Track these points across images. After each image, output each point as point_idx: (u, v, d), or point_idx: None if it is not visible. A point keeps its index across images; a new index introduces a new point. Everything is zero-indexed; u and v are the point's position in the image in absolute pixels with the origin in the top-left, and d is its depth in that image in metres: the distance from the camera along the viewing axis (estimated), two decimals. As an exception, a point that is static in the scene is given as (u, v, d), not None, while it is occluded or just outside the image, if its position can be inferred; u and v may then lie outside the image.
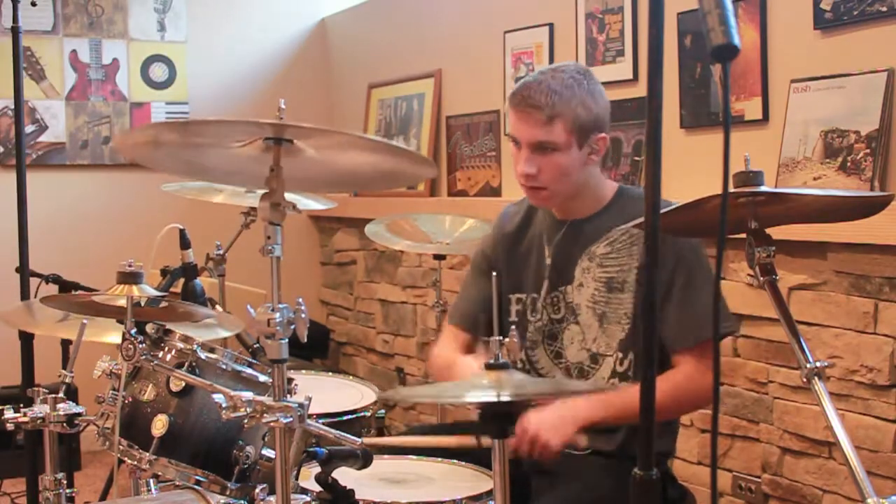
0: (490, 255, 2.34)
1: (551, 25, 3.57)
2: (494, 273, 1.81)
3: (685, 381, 2.05)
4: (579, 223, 2.21)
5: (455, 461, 2.10)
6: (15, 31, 2.82)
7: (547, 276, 2.22)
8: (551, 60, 3.57)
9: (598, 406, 2.03)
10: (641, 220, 1.21)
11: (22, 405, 1.97)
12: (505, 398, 1.50)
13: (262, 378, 1.94)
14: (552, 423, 1.97)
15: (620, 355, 2.14)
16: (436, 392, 1.82)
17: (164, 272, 2.34)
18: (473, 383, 1.66)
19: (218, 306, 2.43)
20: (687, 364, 2.08)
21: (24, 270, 2.84)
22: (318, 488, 1.73)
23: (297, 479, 1.85)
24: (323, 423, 1.82)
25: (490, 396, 1.49)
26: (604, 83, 2.19)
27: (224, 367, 1.93)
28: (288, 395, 1.56)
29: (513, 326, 1.79)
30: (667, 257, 2.08)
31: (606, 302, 2.15)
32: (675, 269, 2.08)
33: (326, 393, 2.61)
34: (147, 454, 1.86)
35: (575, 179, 2.15)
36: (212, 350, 1.94)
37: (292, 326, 1.53)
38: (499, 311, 1.79)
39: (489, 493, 1.84)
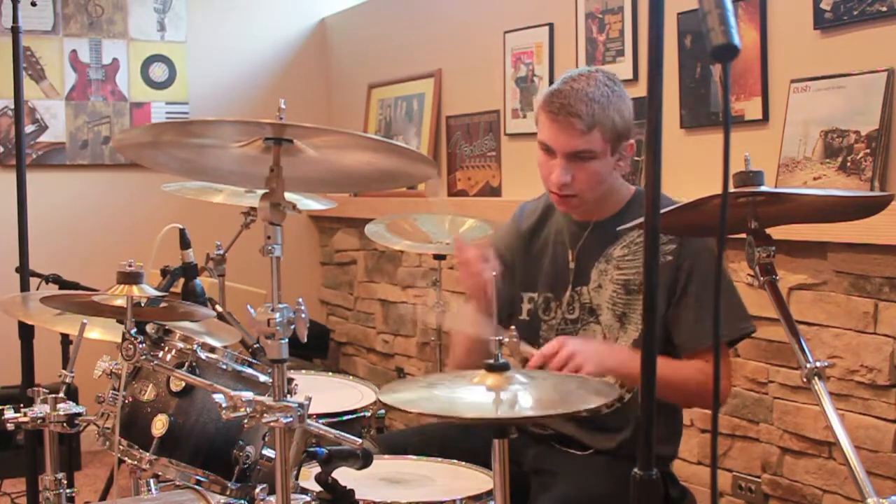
0: (503, 251, 2.32)
1: (551, 25, 3.57)
2: (494, 273, 1.81)
3: (703, 376, 2.03)
4: (600, 226, 2.20)
5: (455, 461, 2.10)
6: (15, 31, 2.82)
7: (571, 278, 2.22)
8: (551, 60, 3.57)
9: (636, 360, 1.98)
10: (642, 220, 1.21)
11: (22, 405, 1.97)
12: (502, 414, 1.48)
13: (262, 378, 1.94)
14: (591, 351, 1.96)
15: None
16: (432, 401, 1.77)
17: (164, 272, 2.33)
18: (471, 390, 1.64)
19: (218, 306, 2.42)
20: (705, 362, 2.06)
21: (24, 270, 2.84)
22: (318, 488, 1.73)
23: (297, 479, 1.85)
24: (323, 423, 1.82)
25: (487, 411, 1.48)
26: (604, 83, 2.19)
27: (224, 367, 1.93)
28: (288, 395, 1.56)
29: (512, 327, 1.80)
30: (683, 258, 2.08)
31: (626, 303, 2.15)
32: (692, 271, 2.08)
33: (326, 393, 2.61)
34: (147, 454, 1.86)
35: (605, 186, 2.15)
36: (212, 350, 1.94)
37: (292, 326, 1.53)
38: (498, 311, 1.80)
39: (489, 493, 1.84)
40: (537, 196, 2.36)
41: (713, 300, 2.05)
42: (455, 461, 2.10)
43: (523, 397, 1.62)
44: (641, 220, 1.21)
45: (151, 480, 1.99)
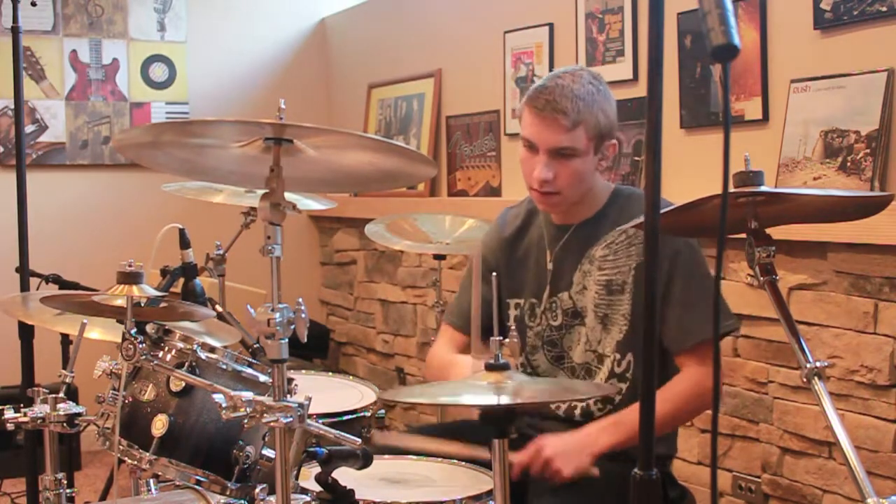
0: (489, 258, 2.32)
1: (551, 25, 3.57)
2: (494, 273, 1.80)
3: (692, 387, 2.05)
4: (580, 228, 2.19)
5: (455, 461, 2.10)
6: (15, 31, 2.82)
7: (549, 282, 2.21)
8: (551, 60, 3.57)
9: (612, 431, 2.02)
10: (641, 220, 1.21)
11: (22, 405, 1.97)
12: (504, 401, 1.50)
13: (262, 378, 1.94)
14: (568, 452, 1.98)
15: (618, 356, 2.13)
16: (435, 393, 1.81)
17: (164, 272, 2.34)
18: (473, 385, 1.66)
19: (218, 306, 2.42)
20: (691, 367, 2.07)
21: (24, 270, 2.84)
22: (318, 488, 1.73)
23: (297, 479, 1.85)
24: (323, 423, 1.82)
25: (490, 400, 1.49)
26: (604, 83, 2.19)
27: (224, 367, 1.93)
28: (288, 395, 1.56)
29: (513, 327, 1.80)
30: (663, 256, 2.07)
31: (608, 304, 2.14)
32: (672, 270, 2.07)
33: (326, 393, 2.61)
34: (147, 454, 1.86)
35: (586, 185, 2.14)
36: (212, 350, 1.94)
37: (292, 326, 1.53)
38: (499, 311, 1.79)
39: (489, 493, 1.84)
40: (518, 202, 2.35)
41: (698, 298, 2.06)
42: (455, 461, 2.10)
43: (523, 387, 1.63)
44: (641, 220, 1.21)
45: (151, 480, 1.99)
